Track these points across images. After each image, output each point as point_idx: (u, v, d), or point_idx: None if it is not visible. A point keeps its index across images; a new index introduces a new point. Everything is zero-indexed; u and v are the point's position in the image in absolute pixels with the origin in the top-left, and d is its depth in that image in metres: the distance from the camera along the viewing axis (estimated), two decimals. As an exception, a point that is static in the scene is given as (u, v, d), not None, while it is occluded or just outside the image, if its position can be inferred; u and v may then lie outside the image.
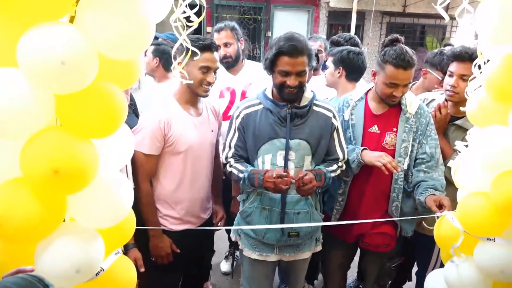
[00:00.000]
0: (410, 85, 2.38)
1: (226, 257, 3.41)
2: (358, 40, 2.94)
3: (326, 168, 2.01)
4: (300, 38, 1.88)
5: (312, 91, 2.04)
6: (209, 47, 1.99)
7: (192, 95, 2.09)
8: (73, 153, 1.15)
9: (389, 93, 2.06)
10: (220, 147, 2.26)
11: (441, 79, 2.69)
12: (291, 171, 1.95)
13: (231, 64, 2.84)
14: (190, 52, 1.56)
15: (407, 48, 2.02)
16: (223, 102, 2.81)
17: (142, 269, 1.98)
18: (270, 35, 9.76)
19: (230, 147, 2.06)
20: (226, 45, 2.80)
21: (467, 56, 2.13)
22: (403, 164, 2.10)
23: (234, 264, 2.94)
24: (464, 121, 2.16)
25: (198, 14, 1.39)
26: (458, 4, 1.54)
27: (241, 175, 1.98)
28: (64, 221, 1.30)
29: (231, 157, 2.06)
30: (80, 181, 1.18)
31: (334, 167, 2.06)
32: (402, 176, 2.12)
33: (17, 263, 1.10)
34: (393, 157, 2.09)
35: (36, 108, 1.12)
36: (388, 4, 9.86)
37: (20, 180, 1.18)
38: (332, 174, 2.03)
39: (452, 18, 1.58)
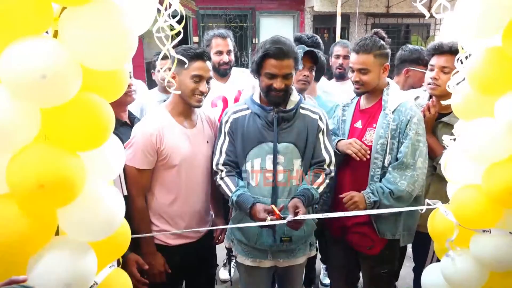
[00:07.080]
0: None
1: (224, 265, 3.40)
2: (320, 40, 2.91)
3: (315, 188, 1.97)
4: (286, 41, 1.89)
5: (299, 95, 2.05)
6: (201, 56, 1.95)
7: (185, 107, 2.04)
8: (58, 166, 1.13)
9: (352, 78, 2.14)
10: None
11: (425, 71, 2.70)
12: (279, 175, 1.94)
13: (228, 71, 2.86)
14: (175, 61, 1.52)
15: (373, 37, 2.07)
16: (217, 111, 2.79)
17: (146, 267, 1.95)
18: (256, 42, 9.79)
19: (221, 153, 2.04)
20: (228, 52, 2.81)
21: (446, 49, 2.15)
22: (381, 161, 2.09)
23: (232, 271, 2.90)
24: (451, 118, 2.17)
25: (181, 23, 1.38)
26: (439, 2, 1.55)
27: (229, 193, 1.96)
28: (57, 234, 1.29)
29: (223, 165, 2.03)
30: (67, 194, 1.17)
31: (321, 178, 2.01)
32: (379, 173, 2.10)
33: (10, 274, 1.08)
34: (371, 153, 2.10)
35: (20, 122, 1.11)
36: (371, 6, 9.95)
37: (7, 196, 1.17)
38: (321, 188, 2.00)
39: (433, 16, 1.59)
